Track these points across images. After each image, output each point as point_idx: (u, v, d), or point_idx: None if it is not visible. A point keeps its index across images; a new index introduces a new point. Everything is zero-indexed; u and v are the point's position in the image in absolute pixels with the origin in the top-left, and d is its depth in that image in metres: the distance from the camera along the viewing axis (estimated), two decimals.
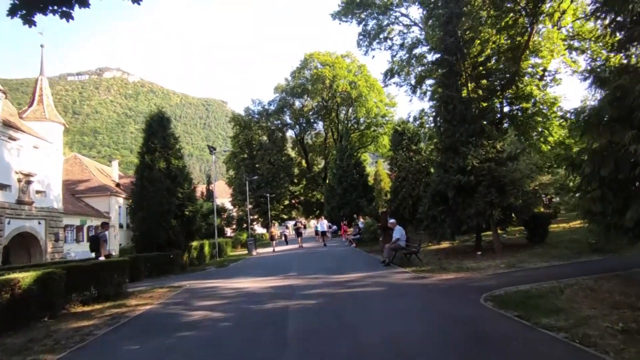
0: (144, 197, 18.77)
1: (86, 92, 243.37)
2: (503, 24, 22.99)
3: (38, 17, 4.83)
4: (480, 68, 14.38)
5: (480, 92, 13.87)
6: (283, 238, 41.80)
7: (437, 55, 20.87)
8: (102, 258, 13.29)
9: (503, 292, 7.28)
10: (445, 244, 16.93)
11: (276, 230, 37.33)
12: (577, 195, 6.97)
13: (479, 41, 19.16)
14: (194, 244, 21.57)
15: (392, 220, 14.44)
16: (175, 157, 20.16)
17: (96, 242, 13.91)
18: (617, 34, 7.15)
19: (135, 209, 19.33)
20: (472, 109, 13.68)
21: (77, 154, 52.74)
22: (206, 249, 23.90)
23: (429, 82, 33.46)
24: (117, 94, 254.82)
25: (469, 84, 14.13)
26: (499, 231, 16.63)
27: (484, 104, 15.82)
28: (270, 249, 28.78)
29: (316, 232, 28.46)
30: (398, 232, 13.52)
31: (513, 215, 12.84)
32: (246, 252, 29.05)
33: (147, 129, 20.25)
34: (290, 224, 54.76)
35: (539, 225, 13.57)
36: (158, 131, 20.00)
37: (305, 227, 49.39)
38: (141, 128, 21.49)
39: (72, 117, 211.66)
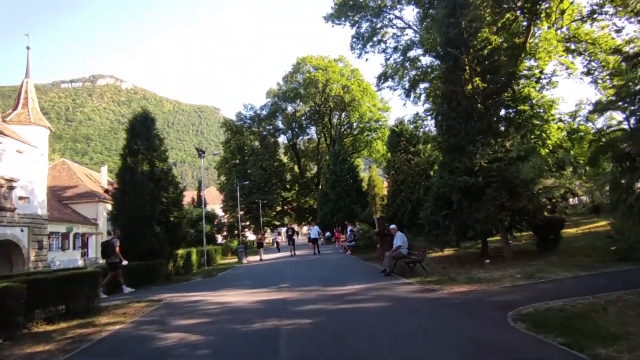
0: (126, 201, 17.45)
1: (79, 99, 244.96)
2: (500, 24, 22.22)
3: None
4: (486, 62, 13.24)
5: (485, 85, 12.76)
6: (275, 245, 40.60)
7: (435, 53, 20.04)
8: (124, 262, 14.16)
9: (532, 309, 6.17)
10: (448, 251, 15.84)
11: (268, 236, 35.81)
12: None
13: (477, 39, 18.39)
14: (180, 252, 20.26)
15: (392, 226, 13.32)
16: (160, 159, 18.88)
17: (109, 249, 14.02)
18: None
19: (116, 214, 17.96)
20: (478, 106, 12.62)
21: (66, 159, 51.44)
22: (194, 257, 22.59)
23: (423, 85, 32.94)
24: (110, 101, 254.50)
25: (474, 79, 13.08)
26: None
27: (480, 106, 14.74)
28: (258, 258, 27.14)
29: (309, 238, 27.02)
30: (399, 239, 12.41)
31: (524, 219, 11.75)
32: (236, 260, 27.75)
33: (130, 129, 18.97)
34: (283, 230, 53.55)
35: (551, 231, 12.50)
36: (142, 132, 18.73)
37: (298, 234, 48.17)
38: None
39: (65, 124, 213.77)
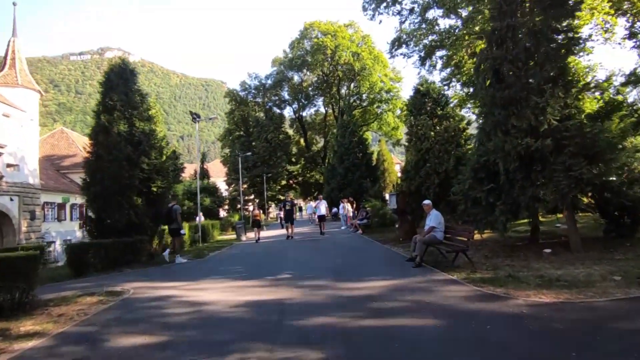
0: (99, 168, 14.68)
1: (88, 71, 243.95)
2: None
3: None
4: None
5: (551, 20, 9.54)
6: (279, 221, 37.97)
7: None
8: (183, 232, 15.00)
9: None
10: (486, 234, 12.88)
11: (272, 211, 32.92)
12: None
13: None
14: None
15: (426, 202, 10.29)
16: (140, 118, 15.83)
17: (172, 215, 14.39)
18: None
19: (89, 183, 15.11)
20: (544, 45, 9.48)
21: (64, 128, 49.33)
22: (186, 232, 19.94)
23: (440, 53, 29.88)
24: None
25: (536, 13, 9.93)
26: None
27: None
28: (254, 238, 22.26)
29: (319, 216, 23.56)
30: (435, 219, 9.55)
31: (608, 196, 8.80)
32: (235, 236, 25.14)
33: (105, 82, 15.98)
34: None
35: (630, 214, 9.50)
36: (119, 86, 15.73)
37: (300, 210, 45.43)
38: None
39: (75, 97, 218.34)
